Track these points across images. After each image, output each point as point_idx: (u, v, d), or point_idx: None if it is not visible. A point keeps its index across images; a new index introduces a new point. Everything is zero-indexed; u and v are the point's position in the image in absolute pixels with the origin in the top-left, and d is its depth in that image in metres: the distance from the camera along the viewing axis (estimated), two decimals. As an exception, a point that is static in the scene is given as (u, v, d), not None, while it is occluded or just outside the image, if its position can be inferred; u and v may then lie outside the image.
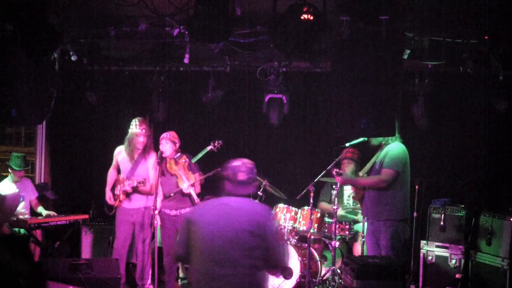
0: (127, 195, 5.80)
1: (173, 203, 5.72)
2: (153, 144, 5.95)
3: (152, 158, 5.80)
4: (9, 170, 6.52)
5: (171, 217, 5.73)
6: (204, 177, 5.82)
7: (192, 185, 5.64)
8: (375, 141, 5.26)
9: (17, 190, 6.51)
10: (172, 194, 5.68)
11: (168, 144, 5.71)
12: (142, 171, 5.78)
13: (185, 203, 5.68)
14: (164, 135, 5.78)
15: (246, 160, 3.26)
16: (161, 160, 5.58)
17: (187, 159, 5.71)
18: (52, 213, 6.55)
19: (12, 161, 6.50)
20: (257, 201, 3.23)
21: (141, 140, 5.76)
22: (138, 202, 5.79)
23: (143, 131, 5.76)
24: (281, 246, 3.20)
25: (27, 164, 6.69)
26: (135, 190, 5.74)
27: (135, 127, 5.75)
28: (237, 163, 3.22)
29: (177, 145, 5.77)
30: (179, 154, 5.77)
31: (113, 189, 5.93)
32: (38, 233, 6.51)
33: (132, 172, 5.79)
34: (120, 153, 5.91)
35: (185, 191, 5.62)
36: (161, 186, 5.77)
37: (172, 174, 5.73)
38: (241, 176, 3.17)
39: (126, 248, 5.87)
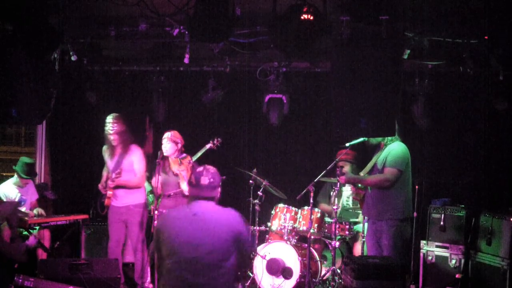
0: (116, 191, 5.76)
1: (173, 203, 5.69)
2: (154, 142, 5.95)
3: (136, 152, 5.76)
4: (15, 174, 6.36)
5: None
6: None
7: None
8: (374, 140, 5.27)
9: (19, 195, 6.42)
10: (172, 194, 5.66)
11: (169, 144, 5.70)
12: (126, 166, 5.73)
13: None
14: (165, 134, 5.76)
15: (209, 167, 3.37)
16: (162, 159, 5.58)
17: (191, 161, 5.67)
18: (35, 213, 6.40)
19: (19, 166, 6.30)
20: (231, 208, 3.32)
21: (113, 138, 5.72)
22: (125, 199, 5.74)
23: (114, 129, 5.69)
24: (250, 247, 3.38)
25: (34, 174, 6.58)
26: (120, 185, 5.69)
27: (106, 126, 5.72)
28: (199, 169, 3.33)
29: (179, 145, 5.74)
30: (184, 154, 5.72)
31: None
32: (46, 234, 6.51)
33: (116, 168, 5.76)
34: (105, 152, 5.92)
35: (186, 192, 5.61)
36: (162, 185, 5.74)
37: (175, 174, 5.70)
38: (204, 181, 3.26)
39: (120, 247, 5.85)
